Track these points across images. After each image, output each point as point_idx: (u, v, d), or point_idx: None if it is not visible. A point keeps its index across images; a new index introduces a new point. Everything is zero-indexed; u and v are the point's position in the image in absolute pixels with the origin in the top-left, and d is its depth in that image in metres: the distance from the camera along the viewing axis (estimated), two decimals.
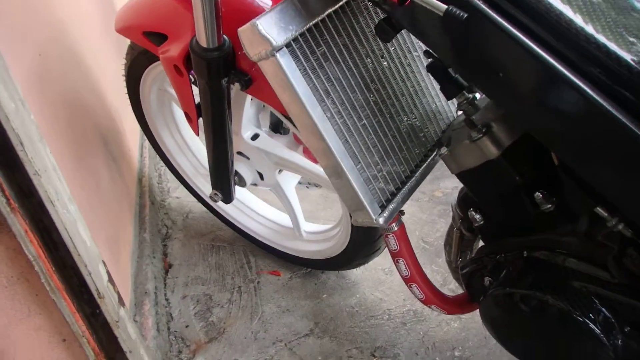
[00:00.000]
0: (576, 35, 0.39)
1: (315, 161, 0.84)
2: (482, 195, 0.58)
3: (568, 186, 0.51)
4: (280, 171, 0.90)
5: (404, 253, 0.66)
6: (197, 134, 0.81)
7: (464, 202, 0.62)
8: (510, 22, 0.40)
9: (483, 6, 0.41)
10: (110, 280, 0.61)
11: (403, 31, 0.62)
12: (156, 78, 0.89)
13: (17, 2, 0.68)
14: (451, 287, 0.95)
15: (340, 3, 0.53)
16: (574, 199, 0.51)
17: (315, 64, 0.52)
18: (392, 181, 0.59)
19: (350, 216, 0.60)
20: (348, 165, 0.54)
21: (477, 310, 0.63)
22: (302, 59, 0.51)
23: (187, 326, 0.92)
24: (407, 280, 0.68)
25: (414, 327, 0.89)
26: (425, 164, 0.63)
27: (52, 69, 0.77)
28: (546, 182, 0.52)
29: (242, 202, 1.05)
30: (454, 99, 0.57)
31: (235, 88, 0.65)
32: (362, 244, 0.85)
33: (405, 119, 0.61)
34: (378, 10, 0.57)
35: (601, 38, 0.39)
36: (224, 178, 0.79)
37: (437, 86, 0.65)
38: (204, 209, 1.11)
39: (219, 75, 0.62)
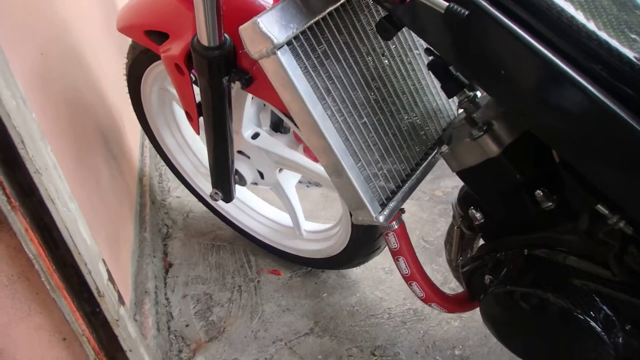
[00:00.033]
0: (578, 32, 0.39)
1: (315, 160, 0.84)
2: (482, 193, 0.58)
3: (569, 184, 0.51)
4: (280, 170, 0.90)
5: (404, 251, 0.66)
6: (198, 133, 0.81)
7: (464, 201, 0.62)
8: (511, 19, 0.40)
9: (484, 3, 0.41)
10: (111, 279, 0.61)
11: (404, 29, 0.62)
12: (157, 77, 0.89)
13: (18, 1, 0.68)
14: (451, 286, 0.95)
15: (342, 1, 0.53)
16: (575, 196, 0.51)
17: (316, 62, 0.52)
18: (393, 179, 0.59)
19: (351, 215, 0.60)
20: (348, 164, 0.54)
21: (478, 309, 0.63)
22: (303, 57, 0.51)
23: (187, 325, 0.92)
24: (407, 279, 0.68)
25: (414, 326, 0.89)
26: (425, 163, 0.63)
27: (53, 68, 0.77)
28: (547, 180, 0.52)
29: (242, 201, 1.05)
30: (454, 97, 0.57)
31: (236, 87, 0.65)
32: (362, 243, 0.85)
33: (406, 117, 0.61)
34: (379, 8, 0.57)
35: (603, 35, 0.39)
36: (224, 177, 0.79)
37: (438, 84, 0.65)
38: (205, 208, 1.11)
39: (219, 74, 0.62)
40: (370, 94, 0.57)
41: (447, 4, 0.41)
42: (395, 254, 0.67)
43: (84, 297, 0.57)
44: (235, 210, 1.05)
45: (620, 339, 0.49)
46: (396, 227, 0.64)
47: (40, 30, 0.76)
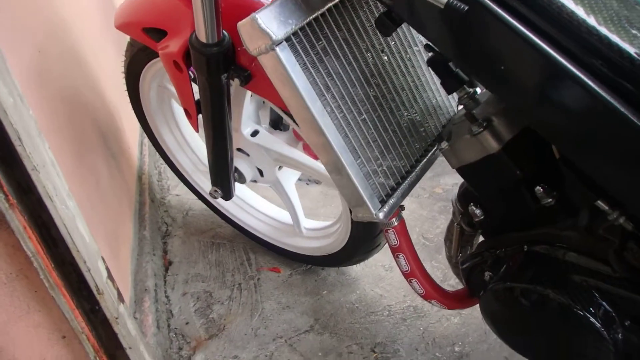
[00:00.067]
0: (578, 27, 0.39)
1: (315, 157, 0.84)
2: (482, 189, 0.58)
3: (569, 180, 0.51)
4: (280, 168, 0.90)
5: (404, 248, 0.66)
6: (197, 131, 0.81)
7: (464, 197, 0.62)
8: (511, 14, 0.40)
9: None
10: (110, 276, 0.61)
11: (403, 25, 0.62)
12: (156, 75, 0.89)
13: None
14: (451, 283, 0.95)
15: None
16: (575, 192, 0.51)
17: (315, 58, 0.52)
18: (392, 176, 0.59)
19: (351, 212, 0.60)
20: (348, 160, 0.54)
21: (477, 306, 0.63)
22: (301, 53, 0.51)
23: (187, 323, 0.92)
24: (407, 276, 0.68)
25: (414, 323, 0.89)
26: (425, 159, 0.63)
27: (51, 65, 0.76)
28: (547, 176, 0.52)
29: (241, 199, 1.05)
30: (454, 94, 0.57)
31: (235, 84, 0.65)
32: (362, 240, 0.85)
33: (406, 113, 0.61)
34: (378, 4, 0.57)
35: (603, 30, 0.38)
36: (223, 175, 0.78)
37: (437, 81, 0.65)
38: (204, 206, 1.11)
39: (218, 71, 0.62)
40: (370, 91, 0.57)
41: None
42: (395, 251, 0.67)
43: (83, 295, 0.56)
44: (235, 208, 1.05)
45: (620, 334, 0.49)
46: (396, 223, 0.64)
47: (38, 27, 0.75)
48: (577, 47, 0.39)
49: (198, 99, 0.70)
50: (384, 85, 0.58)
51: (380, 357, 0.84)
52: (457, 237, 0.68)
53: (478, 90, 0.56)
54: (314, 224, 0.98)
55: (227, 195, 0.82)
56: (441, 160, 0.64)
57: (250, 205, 1.04)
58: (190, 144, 1.05)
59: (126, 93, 0.96)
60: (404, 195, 0.60)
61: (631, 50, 0.38)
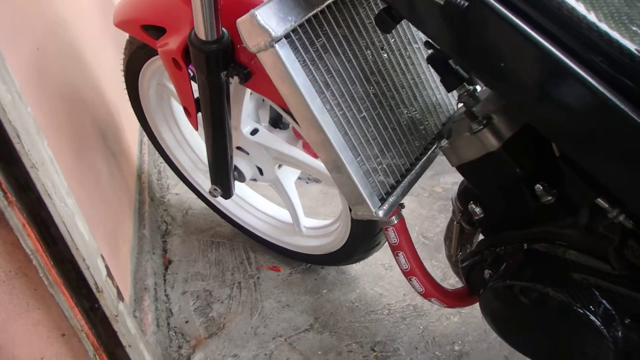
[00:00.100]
0: (578, 23, 0.38)
1: (315, 156, 0.84)
2: (482, 187, 0.58)
3: (569, 178, 0.51)
4: (279, 166, 0.90)
5: (404, 246, 0.66)
6: (196, 129, 0.80)
7: (464, 195, 0.62)
8: (511, 11, 0.40)
9: None
10: (109, 274, 0.61)
11: (403, 23, 0.62)
12: (155, 73, 0.89)
13: None
14: (451, 282, 0.95)
15: None
16: (575, 190, 0.51)
17: (314, 55, 0.52)
18: (392, 174, 0.59)
19: (350, 210, 0.60)
20: (348, 158, 0.54)
21: (477, 305, 0.63)
22: (301, 51, 0.51)
23: (187, 322, 0.92)
24: (407, 274, 0.68)
25: (413, 322, 0.89)
26: (425, 157, 0.62)
27: (50, 63, 0.76)
28: (547, 174, 0.52)
29: (241, 197, 1.04)
30: (454, 91, 0.57)
31: (234, 82, 0.64)
32: (361, 238, 0.85)
33: (406, 111, 0.61)
34: (378, 1, 0.57)
35: (604, 27, 0.38)
36: (223, 173, 0.78)
37: (437, 78, 0.65)
38: (204, 205, 1.11)
39: (217, 69, 0.62)
40: (370, 88, 0.57)
41: None
42: (394, 249, 0.67)
43: (82, 293, 0.56)
44: (235, 206, 1.04)
45: (620, 332, 0.49)
46: (396, 222, 0.64)
47: (37, 25, 0.75)
48: (577, 43, 0.39)
49: (197, 97, 0.70)
50: (383, 83, 0.58)
51: (380, 356, 0.84)
52: (456, 236, 0.67)
53: (478, 87, 0.56)
54: (314, 223, 0.97)
55: (227, 193, 0.82)
56: (441, 159, 0.64)
57: (250, 204, 1.04)
58: (190, 142, 1.05)
59: (125, 91, 0.96)
60: (404, 194, 0.60)
61: (631, 46, 0.38)
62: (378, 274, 0.99)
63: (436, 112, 0.65)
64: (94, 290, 0.57)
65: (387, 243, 0.69)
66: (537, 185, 0.51)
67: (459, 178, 0.62)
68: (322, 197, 1.19)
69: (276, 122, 0.90)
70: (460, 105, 0.59)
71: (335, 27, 0.53)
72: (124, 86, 0.95)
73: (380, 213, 0.56)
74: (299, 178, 1.00)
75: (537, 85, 0.42)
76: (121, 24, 0.77)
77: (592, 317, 0.49)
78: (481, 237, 0.66)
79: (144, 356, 0.67)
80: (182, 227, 1.12)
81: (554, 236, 0.54)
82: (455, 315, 0.89)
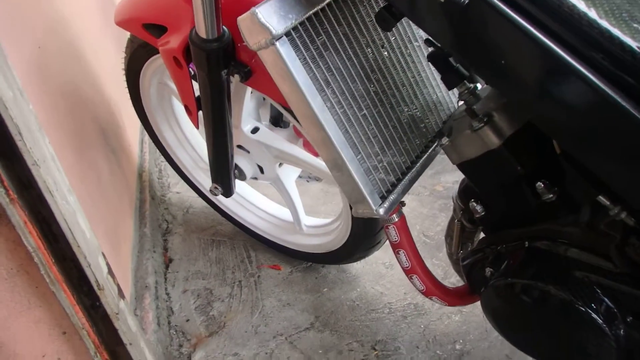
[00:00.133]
0: (579, 20, 0.38)
1: (315, 154, 0.84)
2: (483, 185, 0.58)
3: (570, 175, 0.51)
4: (280, 165, 0.90)
5: (405, 244, 0.66)
6: (197, 127, 0.81)
7: (465, 193, 0.62)
8: (512, 8, 0.40)
9: None
10: (110, 272, 0.61)
11: (404, 21, 0.62)
12: (156, 71, 0.89)
13: None
14: (452, 281, 0.95)
15: None
16: (576, 188, 0.51)
17: (315, 53, 0.52)
18: (393, 172, 0.59)
19: (351, 208, 0.60)
20: (348, 156, 0.54)
21: (478, 304, 0.63)
22: (302, 48, 0.51)
23: (187, 320, 0.92)
24: (408, 272, 0.68)
25: (414, 321, 0.89)
26: (426, 155, 0.62)
27: (51, 61, 0.76)
28: (548, 172, 0.52)
29: (242, 196, 1.05)
30: (455, 89, 0.57)
31: (235, 80, 0.65)
32: (362, 237, 0.85)
33: (406, 109, 0.61)
34: None
35: (604, 24, 0.38)
36: (224, 171, 0.78)
37: (438, 76, 0.65)
38: (204, 203, 1.11)
39: (218, 67, 0.62)
40: (370, 86, 0.57)
41: None
42: (395, 247, 0.67)
43: (83, 291, 0.56)
44: (235, 205, 1.05)
45: (622, 330, 0.49)
46: (396, 219, 0.64)
47: (38, 23, 0.75)
48: (578, 40, 0.39)
49: (198, 96, 0.70)
50: (384, 81, 0.58)
51: (381, 354, 0.84)
52: (457, 234, 0.67)
53: (479, 85, 0.56)
54: (315, 222, 0.97)
55: (228, 192, 0.82)
56: (441, 158, 0.64)
57: (251, 203, 1.04)
58: (191, 141, 1.05)
59: (126, 90, 0.96)
60: (405, 191, 0.60)
61: (632, 44, 0.37)
62: (379, 272, 0.99)
63: (437, 110, 0.65)
64: (95, 288, 0.57)
65: (387, 241, 0.69)
66: (538, 183, 0.51)
67: (459, 177, 0.62)
68: (323, 195, 1.19)
69: (277, 121, 0.90)
70: (461, 103, 0.59)
71: (335, 25, 0.53)
72: (125, 85, 0.95)
73: (381, 211, 0.56)
74: (300, 176, 1.00)
75: (537, 82, 0.42)
76: (122, 23, 0.77)
77: (594, 315, 0.49)
78: (482, 235, 0.65)
79: (145, 354, 0.67)
80: (182, 226, 1.12)
81: (556, 234, 0.54)
82: (457, 314, 0.89)
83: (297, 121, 0.71)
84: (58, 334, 0.57)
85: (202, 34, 0.58)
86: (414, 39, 0.62)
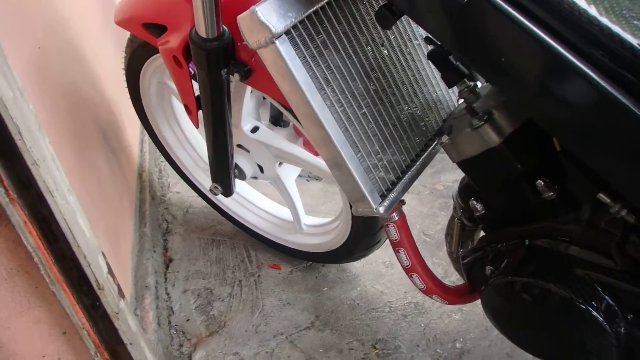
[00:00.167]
0: (579, 18, 0.38)
1: (315, 153, 0.84)
2: (483, 184, 0.58)
3: (570, 173, 0.51)
4: (280, 164, 0.90)
5: (405, 243, 0.66)
6: (197, 127, 0.81)
7: (465, 192, 0.62)
8: (512, 5, 0.40)
9: None
10: (110, 272, 0.61)
11: (403, 19, 0.62)
12: (156, 71, 0.89)
13: None
14: (452, 280, 0.95)
15: None
16: (576, 186, 0.51)
17: (315, 51, 0.52)
18: (393, 170, 0.59)
19: (351, 207, 0.60)
20: (348, 154, 0.54)
21: (479, 302, 0.63)
22: (301, 47, 0.51)
23: (188, 320, 0.92)
24: (408, 270, 0.68)
25: (415, 320, 0.89)
26: (426, 154, 0.62)
27: (51, 61, 0.76)
28: (548, 170, 0.52)
29: (242, 195, 1.05)
30: (454, 87, 0.57)
31: (235, 79, 0.65)
32: (362, 236, 0.85)
33: (406, 107, 0.61)
34: None
35: (605, 21, 0.38)
36: (224, 171, 0.78)
37: (437, 74, 0.65)
38: (204, 203, 1.11)
39: (218, 66, 0.62)
40: (370, 85, 0.57)
41: None
42: (395, 246, 0.67)
43: (83, 290, 0.56)
44: (235, 204, 1.04)
45: (623, 328, 0.49)
46: (396, 218, 0.64)
47: (38, 23, 0.75)
48: (578, 38, 0.39)
49: (198, 95, 0.70)
50: (384, 79, 0.58)
51: (381, 353, 0.84)
52: (458, 232, 0.67)
53: (478, 83, 0.56)
54: (315, 221, 0.97)
55: (228, 191, 0.82)
56: (442, 157, 0.64)
57: (251, 202, 1.04)
58: (191, 140, 1.05)
59: (126, 89, 0.96)
60: (405, 190, 0.60)
61: (633, 41, 0.37)
62: (379, 271, 0.99)
63: (437, 108, 0.65)
64: (95, 287, 0.57)
65: (387, 240, 0.69)
66: (539, 180, 0.51)
67: (459, 176, 0.62)
68: (323, 195, 1.19)
69: (277, 120, 0.90)
70: (461, 101, 0.59)
71: (335, 23, 0.53)
72: (125, 84, 0.95)
73: (381, 209, 0.56)
74: (300, 176, 1.00)
75: (538, 80, 0.42)
76: (122, 22, 0.77)
77: (595, 313, 0.49)
78: (482, 233, 0.65)
79: (145, 354, 0.67)
80: (182, 226, 1.12)
81: (556, 232, 0.54)
82: (457, 312, 0.89)
83: (297, 120, 0.71)
84: (58, 333, 0.57)
85: (202, 33, 0.58)
86: (413, 37, 0.62)
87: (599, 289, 0.50)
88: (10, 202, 0.48)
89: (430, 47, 0.54)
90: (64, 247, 0.53)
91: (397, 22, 0.51)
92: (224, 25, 0.59)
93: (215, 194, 0.83)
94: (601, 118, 0.40)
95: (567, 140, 0.45)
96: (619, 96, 0.38)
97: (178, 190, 1.22)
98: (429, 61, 0.57)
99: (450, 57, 0.53)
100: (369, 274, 0.98)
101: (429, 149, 0.63)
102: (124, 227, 0.92)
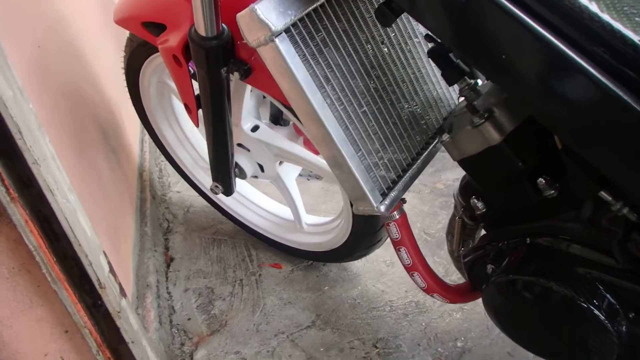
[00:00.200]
0: (580, 14, 0.38)
1: (315, 152, 0.84)
2: (484, 182, 0.58)
3: (571, 171, 0.50)
4: (280, 163, 0.90)
5: (406, 241, 0.65)
6: (197, 126, 0.80)
7: (465, 190, 0.62)
8: (512, 2, 0.39)
9: None
10: (112, 271, 0.61)
11: (403, 17, 0.61)
12: (155, 70, 0.89)
13: None
14: (453, 279, 0.95)
15: None
16: (578, 183, 0.51)
17: (314, 49, 0.52)
18: (394, 169, 0.59)
19: (352, 206, 0.60)
20: (349, 153, 0.54)
21: (480, 301, 0.63)
22: (301, 45, 0.51)
23: (189, 319, 0.92)
24: (409, 269, 0.68)
25: (416, 319, 0.89)
26: (426, 152, 0.62)
27: (51, 61, 0.76)
28: (549, 168, 0.52)
29: (242, 195, 1.05)
30: (455, 85, 0.56)
31: (235, 78, 0.64)
32: (363, 235, 0.85)
33: (406, 106, 0.61)
34: None
35: (606, 17, 0.38)
36: (224, 170, 0.78)
37: (438, 72, 0.64)
38: (205, 202, 1.11)
39: (218, 65, 0.62)
40: (370, 83, 0.56)
41: None
42: (396, 244, 0.67)
43: (85, 289, 0.56)
44: (236, 204, 1.05)
45: (624, 327, 0.49)
46: (397, 217, 0.64)
47: (38, 23, 0.75)
48: (579, 34, 0.38)
49: (198, 94, 0.70)
50: (384, 77, 0.58)
51: (382, 352, 0.84)
52: (459, 231, 0.67)
53: (479, 81, 0.56)
54: (315, 220, 0.97)
55: (228, 191, 0.82)
56: (442, 156, 0.64)
57: (251, 201, 1.04)
58: (191, 139, 1.05)
59: (126, 89, 0.96)
60: (405, 188, 0.60)
61: (635, 37, 0.37)
62: (380, 270, 0.99)
63: (437, 106, 0.65)
64: (97, 286, 0.57)
65: (388, 239, 0.69)
66: (540, 179, 0.51)
67: (460, 175, 0.61)
68: (323, 194, 1.19)
69: (277, 119, 0.90)
70: (462, 99, 0.58)
71: (335, 21, 0.53)
72: (125, 84, 0.95)
73: (382, 208, 0.56)
74: (300, 175, 1.00)
75: (539, 77, 0.42)
76: (121, 22, 0.77)
77: (596, 312, 0.48)
78: (483, 232, 0.65)
79: (147, 352, 0.67)
80: (183, 225, 1.13)
81: (557, 230, 0.54)
82: (458, 311, 0.89)
83: (297, 119, 0.71)
84: (60, 332, 0.57)
85: (202, 31, 0.58)
86: (413, 35, 0.62)
87: (601, 287, 0.50)
88: (11, 201, 0.48)
89: (430, 45, 0.53)
90: (65, 246, 0.54)
91: (397, 19, 0.51)
92: (223, 24, 0.59)
93: (216, 193, 0.83)
94: (602, 115, 0.40)
95: (568, 137, 0.45)
96: (621, 93, 0.37)
97: (178, 189, 1.22)
98: (429, 59, 0.57)
99: (451, 55, 0.53)
100: (369, 273, 0.98)
101: (430, 147, 0.63)
102: (124, 226, 0.92)
